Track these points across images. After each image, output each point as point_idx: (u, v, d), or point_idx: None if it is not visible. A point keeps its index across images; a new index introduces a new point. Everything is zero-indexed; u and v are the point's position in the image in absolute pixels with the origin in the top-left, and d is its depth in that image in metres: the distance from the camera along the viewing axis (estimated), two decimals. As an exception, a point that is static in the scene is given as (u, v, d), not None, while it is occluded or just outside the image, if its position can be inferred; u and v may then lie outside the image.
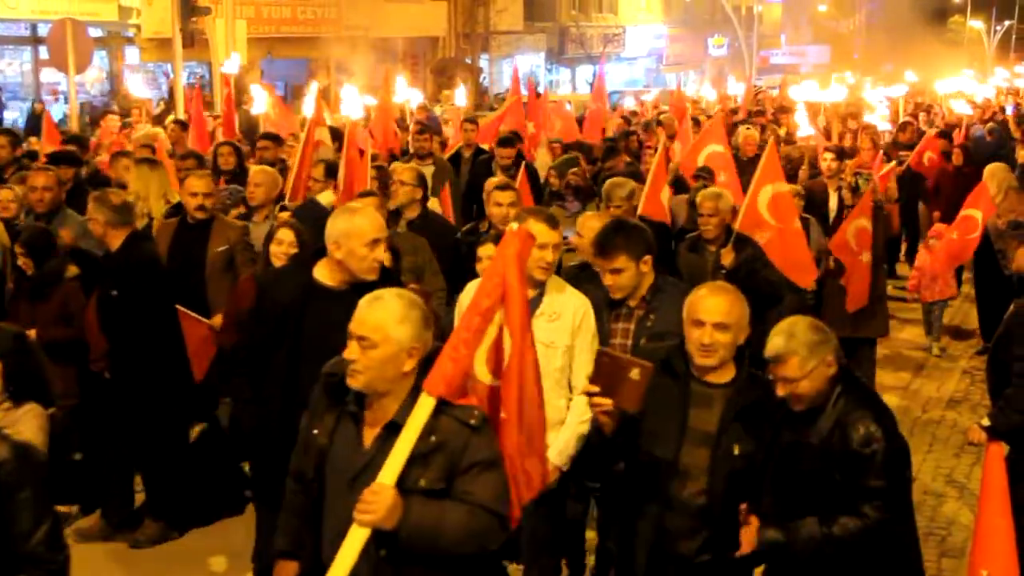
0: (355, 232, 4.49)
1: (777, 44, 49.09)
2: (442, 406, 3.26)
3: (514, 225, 3.81)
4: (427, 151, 10.81)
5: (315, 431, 3.50)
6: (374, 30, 27.89)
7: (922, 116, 18.85)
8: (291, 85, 26.14)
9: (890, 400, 9.29)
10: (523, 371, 3.61)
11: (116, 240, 6.27)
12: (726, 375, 4.09)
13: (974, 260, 10.44)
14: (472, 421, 3.32)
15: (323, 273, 4.64)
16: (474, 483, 3.29)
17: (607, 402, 3.80)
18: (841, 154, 10.67)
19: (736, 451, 3.97)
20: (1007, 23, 56.36)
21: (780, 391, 3.91)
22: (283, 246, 5.98)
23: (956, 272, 10.83)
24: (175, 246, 7.07)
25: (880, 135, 14.33)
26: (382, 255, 4.60)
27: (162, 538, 6.42)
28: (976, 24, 54.37)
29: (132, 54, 24.44)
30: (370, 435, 3.39)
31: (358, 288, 4.22)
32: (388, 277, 4.63)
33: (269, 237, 6.22)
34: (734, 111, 18.62)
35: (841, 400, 3.93)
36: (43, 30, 17.97)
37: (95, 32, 19.68)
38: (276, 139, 10.67)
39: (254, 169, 8.32)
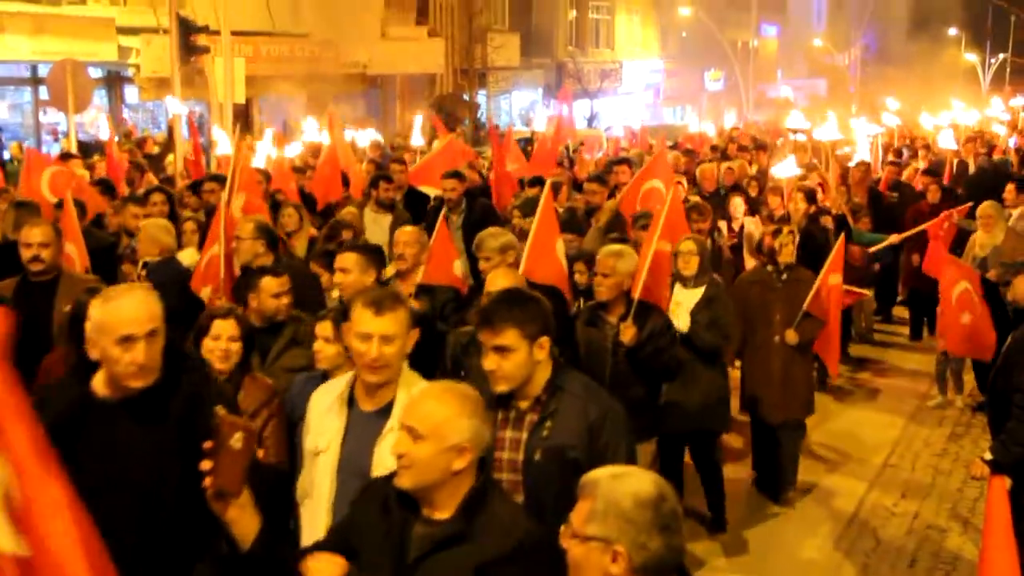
0: (105, 326, 3.31)
1: (773, 78, 49.34)
2: None
3: None
4: (391, 201, 10.07)
5: None
6: (372, 67, 28.11)
7: (906, 152, 18.30)
8: (288, 123, 26.24)
9: (891, 433, 9.34)
10: (59, 515, 2.40)
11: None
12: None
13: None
14: None
15: (101, 382, 3.43)
16: None
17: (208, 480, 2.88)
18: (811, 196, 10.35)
19: None
20: (1001, 56, 56.75)
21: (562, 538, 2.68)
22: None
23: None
24: (16, 306, 5.78)
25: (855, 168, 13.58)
26: (142, 356, 3.27)
27: None
28: (971, 57, 54.72)
29: (131, 93, 24.58)
30: None
31: (134, 401, 3.29)
32: (177, 380, 3.41)
33: (77, 313, 4.60)
34: (713, 147, 18.41)
35: None
36: (44, 71, 18.05)
37: (95, 72, 19.77)
38: (222, 180, 9.22)
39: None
